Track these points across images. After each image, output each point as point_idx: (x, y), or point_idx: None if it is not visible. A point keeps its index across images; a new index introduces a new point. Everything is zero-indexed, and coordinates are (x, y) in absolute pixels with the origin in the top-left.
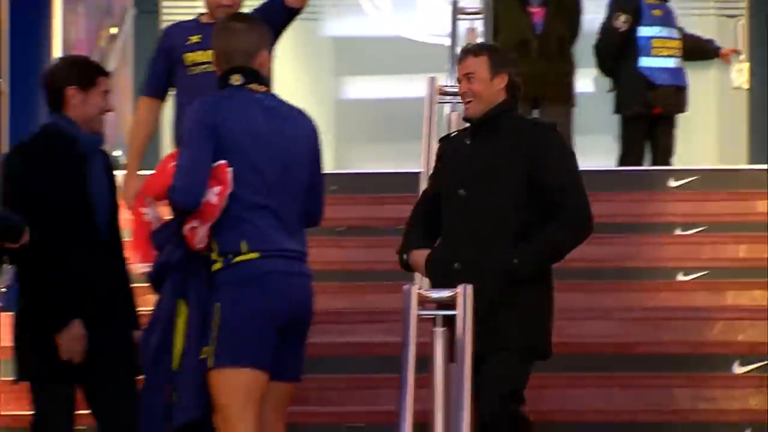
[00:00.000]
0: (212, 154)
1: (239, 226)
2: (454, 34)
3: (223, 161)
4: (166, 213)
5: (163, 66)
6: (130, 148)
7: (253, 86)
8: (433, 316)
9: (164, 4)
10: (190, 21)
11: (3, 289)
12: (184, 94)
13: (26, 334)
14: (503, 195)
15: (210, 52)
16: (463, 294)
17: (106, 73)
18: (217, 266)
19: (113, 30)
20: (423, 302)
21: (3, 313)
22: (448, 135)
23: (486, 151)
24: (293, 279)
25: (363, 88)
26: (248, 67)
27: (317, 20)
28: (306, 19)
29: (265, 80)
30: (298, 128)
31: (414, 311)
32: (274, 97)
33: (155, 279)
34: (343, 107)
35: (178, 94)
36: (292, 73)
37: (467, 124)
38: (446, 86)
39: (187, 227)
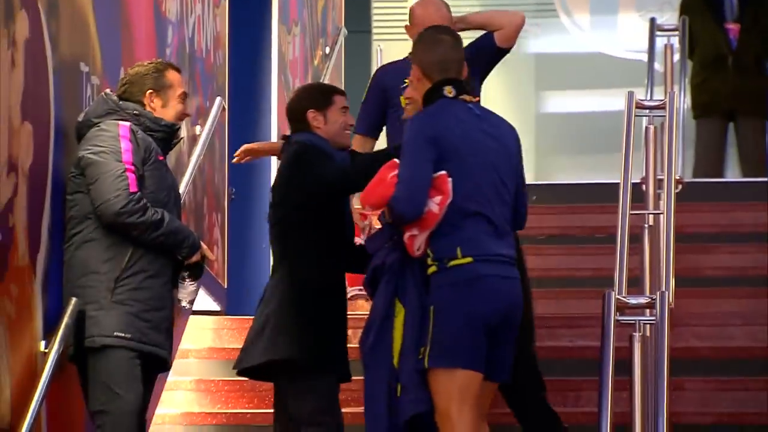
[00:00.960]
0: (433, 164)
1: (454, 232)
2: (651, 51)
3: (443, 172)
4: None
5: (377, 106)
6: None
7: (465, 97)
8: (632, 322)
9: (375, 24)
10: (401, 62)
11: (185, 305)
12: (398, 135)
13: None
14: None
15: None
16: (660, 300)
17: (341, 92)
18: (432, 270)
19: (326, 49)
20: (622, 308)
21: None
22: None
23: None
24: (505, 283)
25: (563, 102)
26: (459, 79)
27: (520, 37)
28: None
29: (471, 91)
30: (506, 136)
31: (612, 317)
32: (481, 106)
33: (370, 281)
34: (543, 121)
35: (389, 134)
36: (495, 88)
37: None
38: (644, 100)
39: (406, 235)
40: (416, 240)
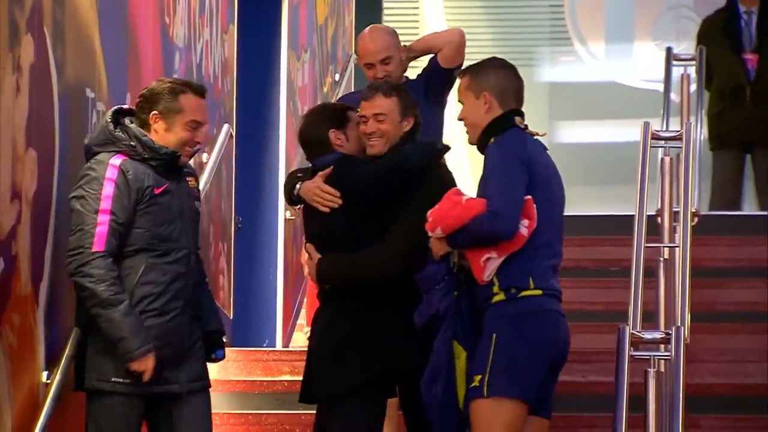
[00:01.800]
0: (525, 187)
1: (528, 261)
2: (667, 80)
3: (529, 196)
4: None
5: None
6: None
7: (531, 131)
8: (647, 357)
9: None
10: (356, 93)
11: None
12: None
13: None
14: None
15: None
16: (675, 336)
17: (351, 107)
18: (498, 298)
19: (336, 76)
20: (636, 343)
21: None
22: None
23: None
24: (563, 320)
25: (577, 132)
26: (522, 112)
27: (533, 66)
28: (523, 65)
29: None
30: (556, 170)
31: (627, 351)
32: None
33: (425, 327)
34: (556, 151)
35: None
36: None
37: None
38: (660, 131)
39: (482, 258)
40: (491, 264)
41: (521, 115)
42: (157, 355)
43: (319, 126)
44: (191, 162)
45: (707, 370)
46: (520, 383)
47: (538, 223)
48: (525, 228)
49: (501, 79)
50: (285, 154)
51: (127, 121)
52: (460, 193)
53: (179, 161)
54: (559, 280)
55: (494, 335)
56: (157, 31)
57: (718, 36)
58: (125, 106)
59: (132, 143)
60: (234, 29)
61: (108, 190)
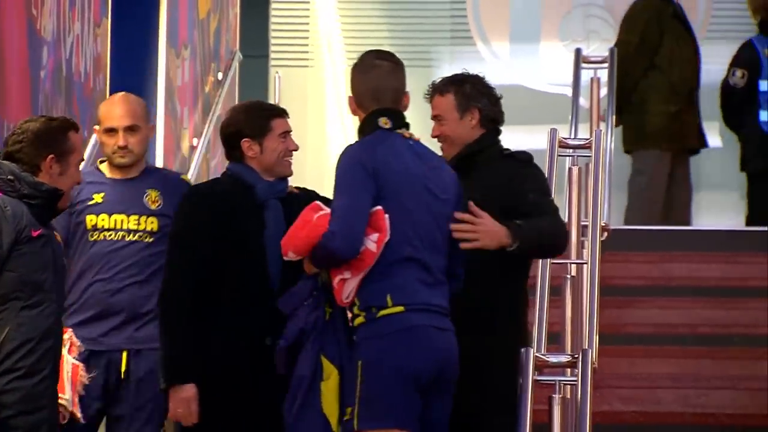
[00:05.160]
0: (371, 199)
1: (384, 278)
2: (576, 84)
3: (379, 207)
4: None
5: None
6: None
7: (404, 132)
8: (551, 382)
9: (273, 48)
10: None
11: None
12: None
13: None
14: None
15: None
16: (581, 360)
17: (280, 113)
18: (358, 321)
19: (219, 75)
20: (541, 367)
21: None
22: None
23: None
24: (440, 334)
25: None
26: (396, 110)
27: (432, 67)
28: (420, 66)
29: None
30: (445, 178)
31: (530, 376)
32: (421, 144)
33: (291, 346)
34: None
35: None
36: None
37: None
38: (568, 138)
39: (336, 279)
40: (347, 285)
41: (389, 114)
42: (16, 425)
43: (235, 128)
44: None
45: (616, 396)
46: (391, 413)
47: (393, 236)
48: (373, 243)
49: (366, 77)
50: (163, 158)
51: None
52: (316, 209)
53: (61, 203)
54: None
55: (359, 362)
56: (22, 22)
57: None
58: None
59: (10, 178)
60: (107, 23)
61: None
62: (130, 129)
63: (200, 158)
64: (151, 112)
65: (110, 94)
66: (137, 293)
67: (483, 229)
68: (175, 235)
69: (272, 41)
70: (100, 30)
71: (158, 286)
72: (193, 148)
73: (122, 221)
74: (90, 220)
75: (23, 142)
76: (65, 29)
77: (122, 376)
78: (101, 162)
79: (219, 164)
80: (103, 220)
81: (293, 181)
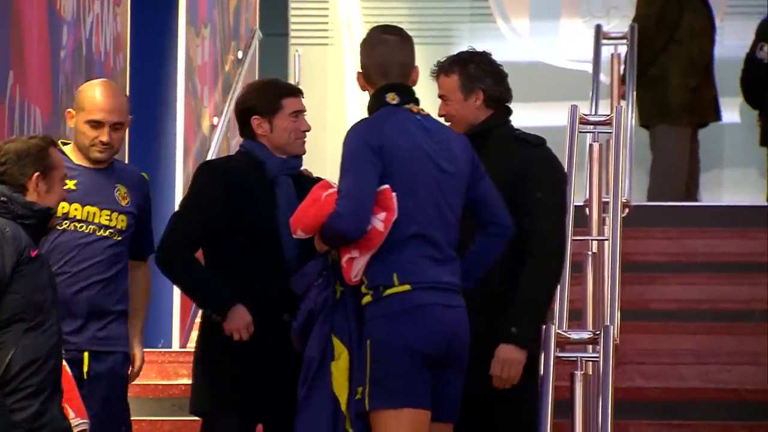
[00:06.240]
0: (377, 177)
1: (391, 256)
2: (597, 61)
3: (386, 186)
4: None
5: None
6: None
7: (412, 107)
8: (573, 359)
9: (293, 26)
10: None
11: None
12: None
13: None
14: None
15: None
16: (603, 336)
17: (294, 92)
18: (366, 300)
19: (239, 54)
20: (562, 344)
21: None
22: None
23: None
24: (448, 312)
25: None
26: (404, 85)
27: (452, 44)
28: (439, 44)
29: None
30: (455, 150)
31: (552, 353)
32: (431, 118)
33: (303, 327)
34: None
35: None
36: (424, 99)
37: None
38: (588, 115)
39: (345, 258)
40: (355, 263)
41: (397, 89)
42: None
43: (246, 105)
44: None
45: (638, 372)
46: (401, 392)
47: (401, 214)
48: (381, 222)
49: (373, 52)
50: (183, 137)
51: None
52: (325, 186)
53: (51, 222)
54: None
55: (368, 342)
56: (43, 4)
57: None
58: None
59: (2, 199)
60: (127, 2)
61: None
62: (117, 125)
63: (221, 137)
64: (171, 91)
65: (131, 74)
66: (101, 292)
67: (506, 376)
68: (183, 206)
69: (292, 19)
70: (119, 9)
71: (120, 286)
72: (213, 127)
73: (95, 214)
74: (61, 206)
75: (6, 164)
76: (85, 9)
77: (84, 377)
78: (64, 144)
79: (239, 143)
80: (76, 209)
81: (312, 160)
